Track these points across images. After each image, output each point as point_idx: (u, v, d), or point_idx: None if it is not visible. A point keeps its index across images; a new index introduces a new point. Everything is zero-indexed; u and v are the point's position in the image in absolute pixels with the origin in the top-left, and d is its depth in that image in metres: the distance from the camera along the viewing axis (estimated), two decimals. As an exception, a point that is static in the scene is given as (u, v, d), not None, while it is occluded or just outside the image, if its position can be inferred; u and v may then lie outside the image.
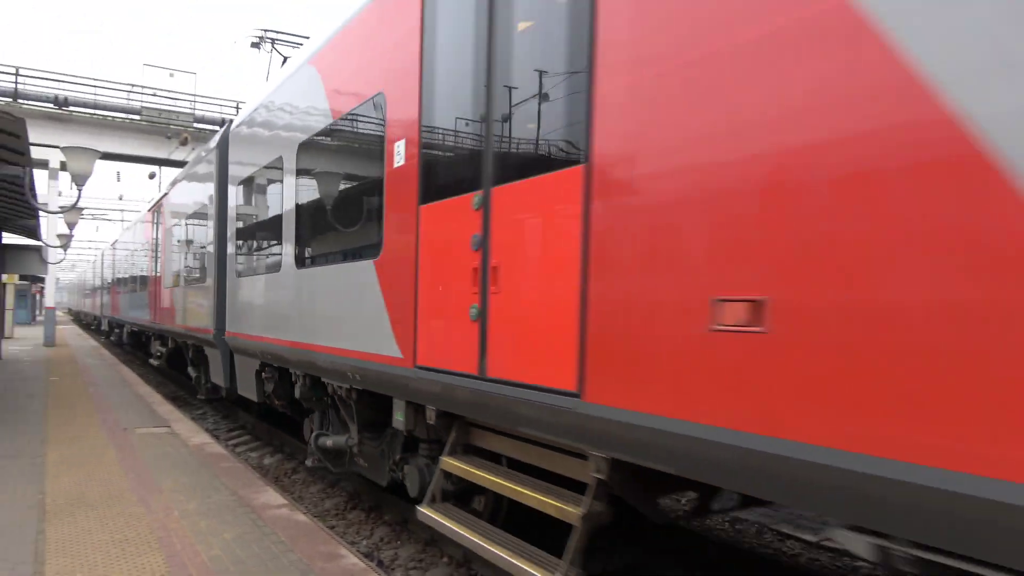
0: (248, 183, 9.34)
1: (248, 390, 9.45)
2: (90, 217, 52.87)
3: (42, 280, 34.92)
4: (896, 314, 2.23)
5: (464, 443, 5.10)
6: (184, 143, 32.12)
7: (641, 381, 3.13)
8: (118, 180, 42.41)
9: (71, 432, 9.60)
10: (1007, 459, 1.97)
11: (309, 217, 7.10)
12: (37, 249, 21.55)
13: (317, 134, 6.84)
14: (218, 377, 11.10)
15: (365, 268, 5.73)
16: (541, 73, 3.81)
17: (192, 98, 35.55)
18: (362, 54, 5.94)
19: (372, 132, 5.72)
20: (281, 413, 10.25)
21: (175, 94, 35.12)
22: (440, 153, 4.77)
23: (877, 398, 2.29)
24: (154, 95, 34.56)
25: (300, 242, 7.31)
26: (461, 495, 5.17)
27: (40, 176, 35.35)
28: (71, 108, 32.80)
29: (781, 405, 2.55)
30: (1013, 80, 1.97)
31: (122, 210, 52.56)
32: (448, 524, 4.63)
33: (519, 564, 3.90)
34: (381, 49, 5.59)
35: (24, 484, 6.87)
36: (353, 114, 6.05)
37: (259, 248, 8.82)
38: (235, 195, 10.00)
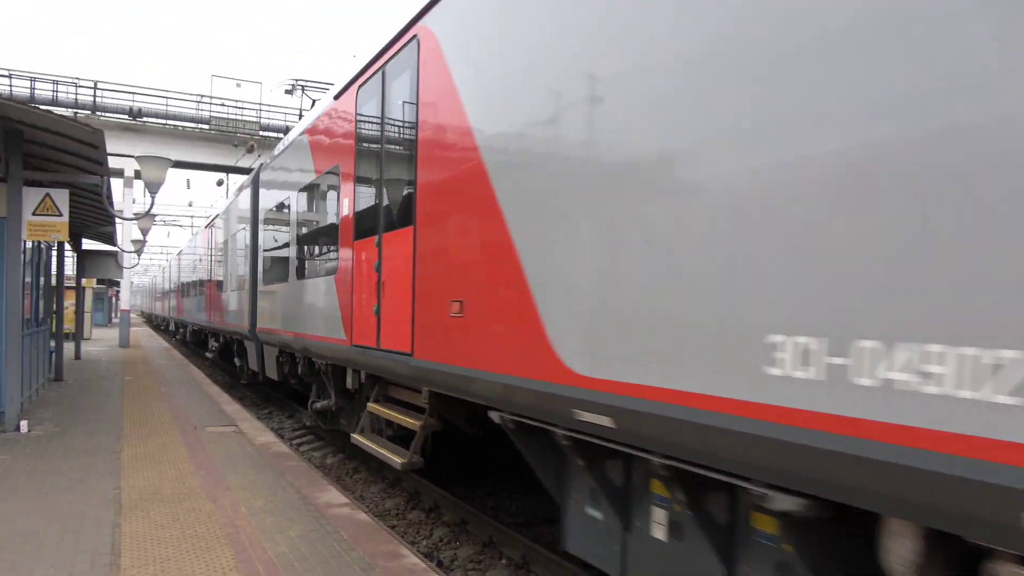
0: (270, 213, 12.19)
1: (272, 372, 12.23)
2: (162, 223, 54.91)
3: (118, 284, 36.47)
4: (478, 309, 4.88)
5: (385, 395, 7.52)
6: (250, 151, 33.11)
7: (431, 345, 5.62)
8: (188, 187, 43.98)
9: (145, 430, 9.99)
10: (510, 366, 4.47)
11: (304, 242, 9.94)
12: (113, 254, 22.49)
13: (307, 185, 9.61)
14: (253, 364, 13.94)
15: (330, 281, 8.36)
16: (400, 174, 6.40)
17: (258, 107, 36.61)
18: (329, 135, 8.64)
19: (334, 189, 8.32)
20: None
21: (242, 103, 36.22)
22: (363, 209, 7.33)
23: (492, 346, 4.69)
24: (222, 105, 35.72)
25: (299, 260, 10.12)
26: (403, 439, 7.20)
27: (115, 184, 36.94)
28: (144, 119, 34.20)
29: (471, 353, 4.96)
30: (539, 248, 4.23)
31: (192, 216, 54.50)
32: (363, 440, 7.45)
33: (386, 453, 6.79)
34: (338, 135, 8.26)
35: (102, 479, 7.18)
36: (324, 175, 8.75)
37: (276, 263, 11.58)
38: (262, 221, 12.91)
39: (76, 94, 32.95)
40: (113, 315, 58.76)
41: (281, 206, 11.21)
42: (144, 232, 23.46)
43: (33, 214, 9.81)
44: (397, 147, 6.56)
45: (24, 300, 10.78)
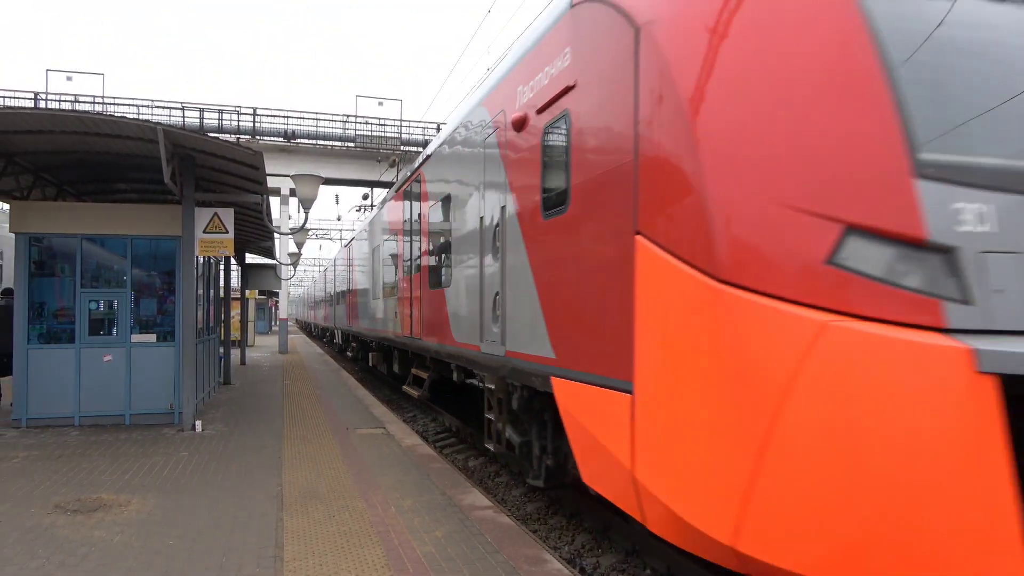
0: (347, 259, 24.06)
1: (340, 341, 28.61)
2: (314, 237, 58.53)
3: (276, 294, 39.23)
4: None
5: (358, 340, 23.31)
6: (392, 165, 34.65)
7: (355, 322, 21.85)
8: (337, 202, 46.71)
9: (302, 430, 10.64)
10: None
11: (352, 276, 22.47)
12: (272, 267, 24.24)
13: (374, 250, 17.20)
14: (338, 340, 29.75)
15: (346, 302, 24.38)
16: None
17: (398, 123, 38.26)
18: (392, 218, 14.20)
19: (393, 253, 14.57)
20: (480, 422, 12.20)
21: (384, 120, 38.00)
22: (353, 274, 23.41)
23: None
24: (366, 123, 37.63)
25: (339, 286, 26.56)
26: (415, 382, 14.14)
27: (272, 202, 39.90)
28: (297, 140, 36.66)
29: (352, 322, 22.91)
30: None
31: (340, 229, 57.70)
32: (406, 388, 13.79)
33: (409, 390, 12.44)
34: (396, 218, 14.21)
35: (265, 476, 7.70)
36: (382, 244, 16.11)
37: (341, 289, 25.76)
38: (343, 264, 25.57)
39: (238, 120, 35.84)
40: (273, 323, 63.28)
41: (357, 254, 21.64)
42: (299, 245, 25.07)
43: (203, 232, 10.73)
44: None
45: (197, 311, 11.80)
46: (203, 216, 10.71)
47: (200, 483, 7.37)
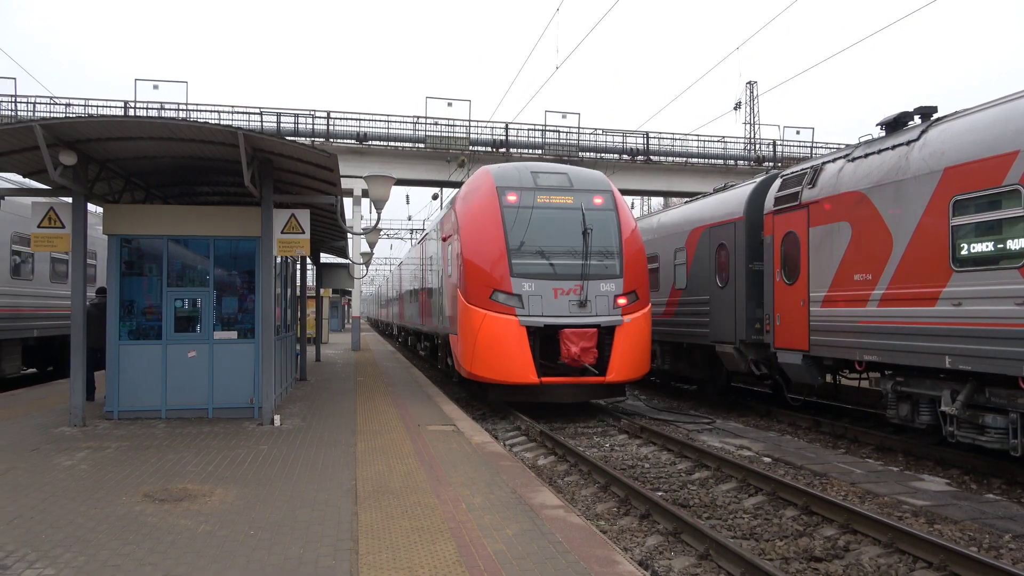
0: (397, 275, 35.01)
1: (395, 333, 41.56)
2: (386, 237, 59.69)
3: (349, 293, 40.20)
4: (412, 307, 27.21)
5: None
6: (461, 165, 35.01)
7: (402, 318, 32.58)
8: (407, 203, 47.47)
9: (375, 426, 10.85)
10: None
11: (401, 285, 31.44)
12: (345, 266, 24.80)
13: (413, 270, 26.37)
14: (395, 333, 41.90)
15: (400, 301, 34.03)
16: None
17: (467, 123, 38.60)
18: (417, 254, 24.97)
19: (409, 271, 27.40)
20: (554, 419, 13.29)
21: (454, 121, 38.40)
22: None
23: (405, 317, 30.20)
24: (435, 124, 38.11)
25: (400, 292, 32.79)
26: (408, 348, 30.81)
27: (345, 203, 41.05)
28: (369, 142, 37.42)
29: (398, 318, 35.86)
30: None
31: (411, 229, 58.65)
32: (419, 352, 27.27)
33: (421, 352, 27.18)
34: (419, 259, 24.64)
35: (340, 470, 7.89)
36: (409, 266, 28.11)
37: (396, 294, 34.99)
38: (397, 276, 35.45)
39: (313, 124, 36.85)
40: (346, 321, 64.86)
41: (399, 270, 33.29)
42: (371, 245, 25.59)
43: (281, 232, 11.07)
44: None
45: (275, 309, 12.18)
46: (281, 217, 11.04)
47: (279, 476, 7.61)
